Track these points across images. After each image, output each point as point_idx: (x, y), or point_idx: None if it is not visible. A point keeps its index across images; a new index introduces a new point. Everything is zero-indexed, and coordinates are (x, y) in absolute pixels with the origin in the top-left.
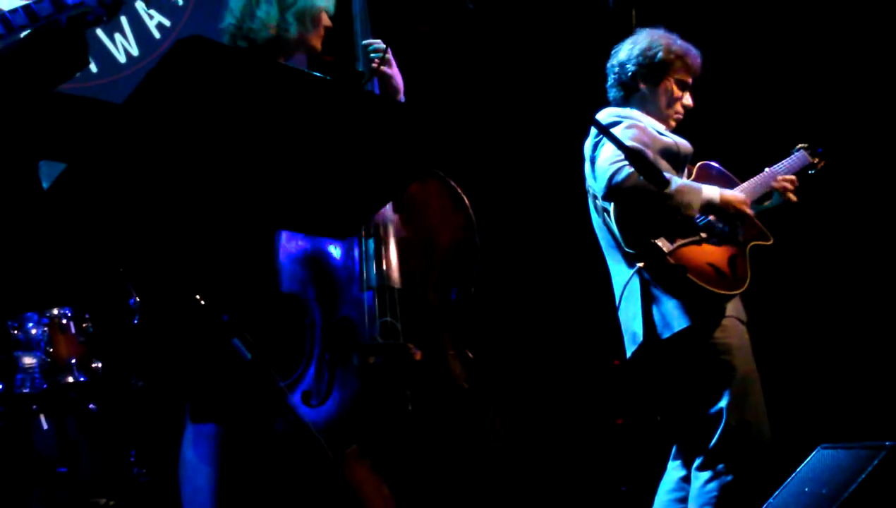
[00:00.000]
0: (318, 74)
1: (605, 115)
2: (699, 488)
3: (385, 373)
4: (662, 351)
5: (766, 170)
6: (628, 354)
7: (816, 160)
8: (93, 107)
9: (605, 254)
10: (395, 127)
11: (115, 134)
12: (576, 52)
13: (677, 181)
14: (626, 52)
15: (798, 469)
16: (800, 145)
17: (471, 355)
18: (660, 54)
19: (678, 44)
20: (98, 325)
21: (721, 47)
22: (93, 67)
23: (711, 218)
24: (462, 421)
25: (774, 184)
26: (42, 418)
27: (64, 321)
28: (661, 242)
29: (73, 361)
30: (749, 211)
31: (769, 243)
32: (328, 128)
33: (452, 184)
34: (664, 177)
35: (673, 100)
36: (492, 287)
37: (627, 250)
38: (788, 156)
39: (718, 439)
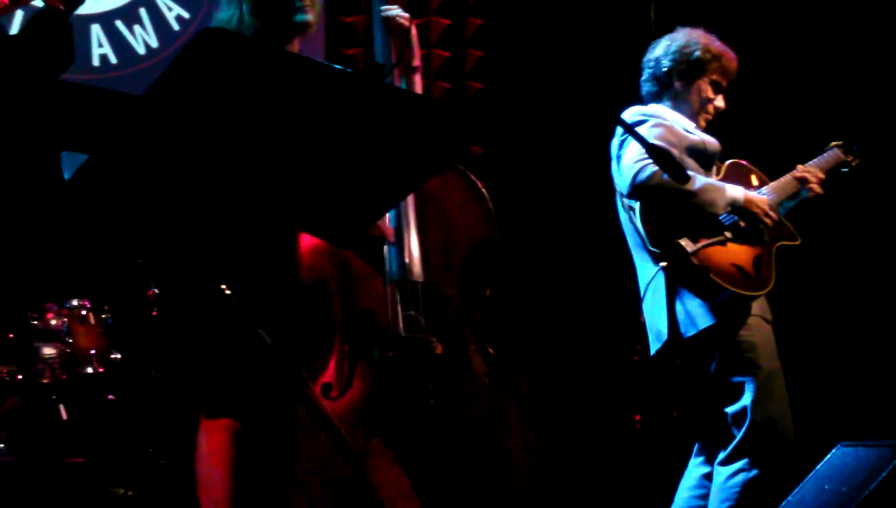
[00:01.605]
0: (339, 67)
1: (630, 114)
2: (722, 483)
3: (406, 367)
4: (686, 350)
5: (798, 167)
6: (652, 352)
7: (850, 158)
8: (114, 98)
9: (632, 252)
10: (417, 120)
11: (136, 125)
12: (594, 48)
13: (701, 180)
14: (664, 47)
15: (817, 467)
16: (833, 143)
17: (491, 350)
18: (696, 53)
19: (716, 45)
20: (117, 316)
21: (750, 42)
22: (112, 59)
23: (736, 217)
24: (482, 416)
25: (796, 174)
26: (61, 408)
27: (84, 312)
28: (684, 242)
29: (93, 352)
30: (773, 213)
31: (797, 243)
32: (350, 120)
33: (472, 177)
34: (686, 173)
35: (705, 101)
36: (513, 281)
37: (652, 249)
38: (820, 154)
39: (743, 436)
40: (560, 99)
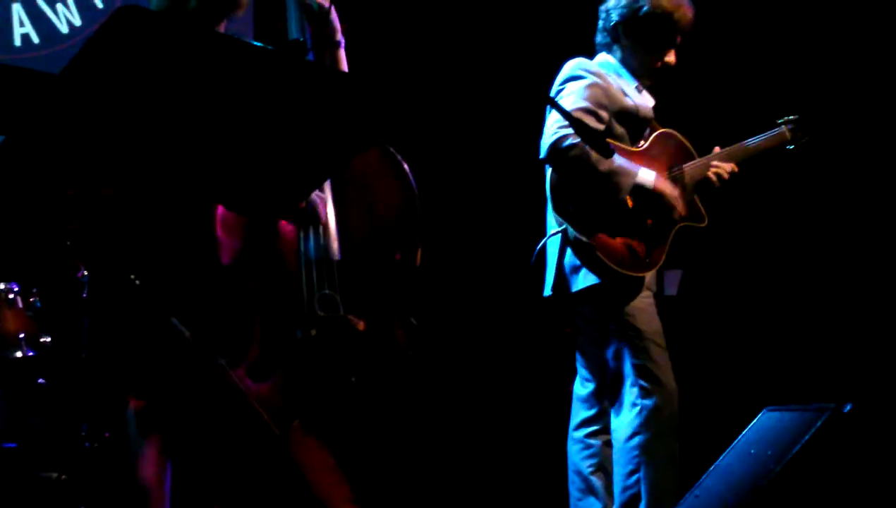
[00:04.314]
0: (259, 44)
1: (572, 66)
2: (620, 449)
3: (326, 346)
4: (570, 304)
5: (739, 145)
6: (545, 293)
7: (801, 135)
8: (30, 77)
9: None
10: (342, 98)
11: (52, 104)
12: (526, 17)
13: (615, 161)
14: None
15: (744, 432)
16: (783, 119)
17: (414, 322)
18: (645, 8)
19: None
20: (46, 300)
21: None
22: (34, 38)
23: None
24: (407, 389)
25: (710, 163)
26: None
27: (10, 296)
28: (579, 218)
29: (22, 336)
30: (680, 205)
31: (702, 225)
32: (271, 99)
33: (392, 150)
34: (609, 148)
35: (653, 59)
36: (438, 253)
37: (556, 216)
38: (772, 129)
39: (631, 399)
40: (490, 74)
